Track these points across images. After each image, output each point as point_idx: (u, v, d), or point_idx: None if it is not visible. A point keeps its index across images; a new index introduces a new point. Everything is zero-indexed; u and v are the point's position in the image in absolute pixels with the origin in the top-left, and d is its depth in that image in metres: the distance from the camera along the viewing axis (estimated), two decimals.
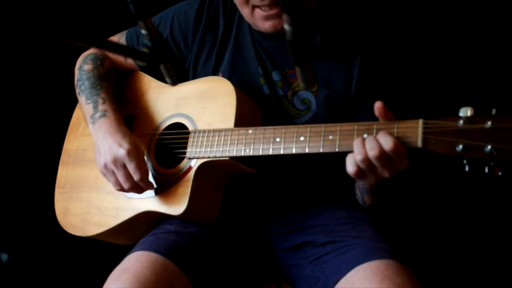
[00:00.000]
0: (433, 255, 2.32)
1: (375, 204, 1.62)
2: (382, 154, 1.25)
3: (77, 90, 1.81)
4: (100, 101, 1.72)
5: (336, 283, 1.43)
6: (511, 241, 2.24)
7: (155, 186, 1.63)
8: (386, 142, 1.24)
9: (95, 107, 1.72)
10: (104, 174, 1.63)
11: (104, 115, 1.69)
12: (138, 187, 1.59)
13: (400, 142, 1.25)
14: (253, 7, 1.57)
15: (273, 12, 1.56)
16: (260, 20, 1.58)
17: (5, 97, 2.37)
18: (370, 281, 1.34)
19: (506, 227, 2.24)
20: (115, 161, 1.57)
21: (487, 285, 2.27)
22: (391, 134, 1.26)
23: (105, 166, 1.60)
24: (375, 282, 1.33)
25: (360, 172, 1.29)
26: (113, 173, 1.59)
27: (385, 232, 1.59)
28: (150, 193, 1.64)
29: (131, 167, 1.56)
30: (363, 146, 1.27)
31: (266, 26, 1.58)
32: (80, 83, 1.80)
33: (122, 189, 1.61)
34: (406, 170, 1.31)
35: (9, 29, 0.91)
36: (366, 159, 1.26)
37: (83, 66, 1.83)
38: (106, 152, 1.60)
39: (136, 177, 1.56)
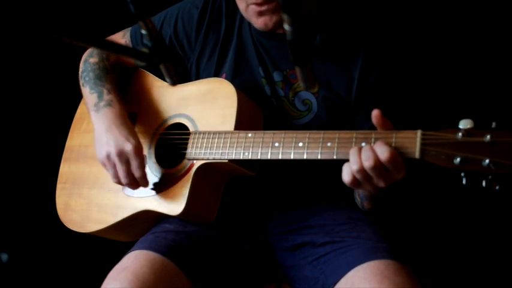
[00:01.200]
0: (432, 255, 2.33)
1: (374, 209, 1.62)
2: (378, 164, 1.24)
3: (81, 82, 1.81)
4: (105, 91, 1.73)
5: (335, 283, 1.43)
6: (510, 241, 2.24)
7: (151, 186, 1.64)
8: (383, 152, 1.24)
9: (100, 96, 1.72)
10: (104, 165, 1.63)
11: (109, 104, 1.69)
12: (135, 184, 1.60)
13: (397, 152, 1.25)
14: (248, 3, 1.57)
15: (264, 8, 1.55)
16: (254, 16, 1.58)
17: (8, 95, 2.37)
18: (370, 281, 1.34)
19: (505, 227, 2.24)
20: (120, 154, 1.58)
21: (487, 285, 2.27)
22: (388, 143, 1.26)
23: (108, 157, 1.60)
24: (374, 282, 1.34)
25: (356, 182, 1.29)
26: (114, 165, 1.59)
27: (385, 232, 1.59)
28: (149, 192, 1.64)
29: (135, 164, 1.57)
30: (358, 156, 1.26)
31: (259, 22, 1.58)
32: (85, 74, 1.80)
33: (118, 183, 1.62)
34: (404, 180, 1.30)
35: (11, 29, 0.92)
36: (362, 170, 1.25)
37: (89, 59, 1.84)
38: (110, 143, 1.60)
39: (138, 174, 1.58)
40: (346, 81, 1.62)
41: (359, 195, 1.60)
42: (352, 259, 1.44)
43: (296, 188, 1.71)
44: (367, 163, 1.24)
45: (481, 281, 2.27)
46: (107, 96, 1.71)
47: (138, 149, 1.58)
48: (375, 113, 1.29)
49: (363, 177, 1.27)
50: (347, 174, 1.29)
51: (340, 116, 1.63)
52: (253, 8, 1.56)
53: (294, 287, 1.63)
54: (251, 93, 1.64)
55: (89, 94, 1.75)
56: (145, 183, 1.61)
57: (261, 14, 1.56)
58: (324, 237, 1.58)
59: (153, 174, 1.67)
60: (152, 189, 1.64)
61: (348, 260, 1.45)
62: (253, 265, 1.67)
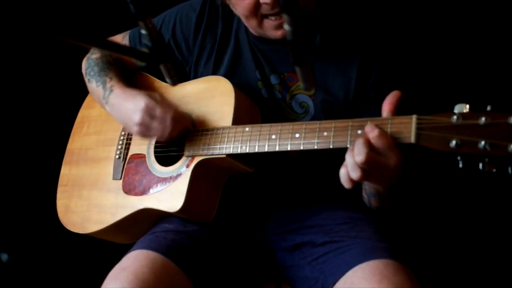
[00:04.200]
0: (432, 255, 2.33)
1: (382, 207, 1.62)
2: (371, 155, 1.23)
3: (86, 78, 1.83)
4: (107, 79, 1.75)
5: (334, 283, 1.43)
6: (510, 240, 2.24)
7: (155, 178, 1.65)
8: (371, 130, 1.25)
9: (104, 87, 1.74)
10: (143, 138, 1.65)
11: (111, 91, 1.71)
12: (176, 130, 1.59)
13: (392, 137, 1.25)
14: (262, 18, 1.56)
15: (282, 20, 1.55)
16: (271, 29, 1.57)
17: (9, 99, 2.37)
18: (369, 281, 1.35)
19: (505, 226, 2.24)
20: (142, 120, 1.57)
21: (487, 285, 2.27)
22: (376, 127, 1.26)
23: (140, 132, 1.60)
24: (373, 282, 1.34)
25: (352, 182, 1.28)
26: (149, 130, 1.59)
27: (384, 232, 1.59)
28: (148, 191, 1.65)
29: (158, 115, 1.57)
30: (351, 151, 1.26)
31: (278, 34, 1.57)
32: (89, 70, 1.82)
33: (168, 138, 1.61)
34: (407, 177, 1.29)
35: (13, 30, 0.92)
36: (360, 170, 1.24)
37: (91, 56, 1.86)
38: (130, 119, 1.60)
39: (168, 119, 1.56)
40: (343, 81, 1.62)
41: (366, 193, 1.59)
42: (351, 259, 1.44)
43: (295, 188, 1.71)
44: (359, 158, 1.23)
45: (481, 281, 2.27)
46: (108, 84, 1.73)
47: (148, 102, 1.58)
48: (396, 92, 1.30)
49: (362, 173, 1.25)
50: (345, 180, 1.28)
51: (338, 117, 1.62)
52: (270, 22, 1.56)
53: (294, 287, 1.63)
54: (247, 95, 1.65)
55: (96, 87, 1.77)
56: (183, 121, 1.59)
57: (279, 26, 1.56)
58: (323, 237, 1.58)
59: (152, 173, 1.67)
60: (151, 187, 1.65)
61: (347, 259, 1.45)
62: (253, 265, 1.67)
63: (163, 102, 1.60)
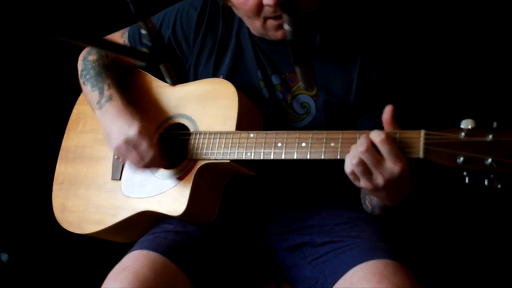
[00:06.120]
0: (433, 255, 2.33)
1: (385, 215, 1.62)
2: (370, 148, 1.24)
3: (82, 80, 1.81)
4: (106, 86, 1.72)
5: (334, 283, 1.43)
6: (510, 241, 2.24)
7: (157, 181, 1.64)
8: (378, 135, 1.24)
9: (101, 93, 1.71)
10: (119, 158, 1.64)
11: (110, 99, 1.69)
12: (152, 165, 1.59)
13: (393, 138, 1.25)
14: (265, 19, 1.56)
15: (282, 21, 1.54)
16: (272, 29, 1.57)
17: (4, 95, 2.36)
18: (369, 281, 1.35)
19: (505, 227, 2.24)
20: (127, 142, 1.57)
21: (487, 285, 2.27)
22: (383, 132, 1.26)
23: (118, 149, 1.59)
24: (373, 282, 1.34)
25: (354, 174, 1.28)
26: (126, 155, 1.59)
27: (385, 232, 1.59)
28: (150, 193, 1.64)
29: (142, 147, 1.56)
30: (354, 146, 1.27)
31: (278, 34, 1.57)
32: (85, 72, 1.80)
33: (138, 169, 1.61)
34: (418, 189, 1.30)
35: (9, 29, 0.92)
36: (356, 158, 1.25)
37: (88, 57, 1.83)
38: (117, 134, 1.59)
39: (148, 156, 1.56)
40: (344, 82, 1.62)
41: (371, 203, 1.58)
42: (351, 259, 1.44)
43: (296, 188, 1.71)
44: (360, 148, 1.24)
45: (481, 281, 2.27)
46: (107, 92, 1.71)
47: (141, 131, 1.57)
48: (388, 108, 1.30)
49: (360, 166, 1.26)
50: (347, 165, 1.29)
51: (339, 118, 1.63)
52: (272, 22, 1.56)
53: (294, 287, 1.63)
54: (248, 95, 1.64)
55: (91, 92, 1.75)
56: (159, 163, 1.59)
57: (280, 26, 1.55)
58: (323, 237, 1.58)
59: (153, 175, 1.67)
60: (152, 189, 1.64)
61: (347, 259, 1.45)
62: (254, 265, 1.67)
63: (152, 138, 1.59)
